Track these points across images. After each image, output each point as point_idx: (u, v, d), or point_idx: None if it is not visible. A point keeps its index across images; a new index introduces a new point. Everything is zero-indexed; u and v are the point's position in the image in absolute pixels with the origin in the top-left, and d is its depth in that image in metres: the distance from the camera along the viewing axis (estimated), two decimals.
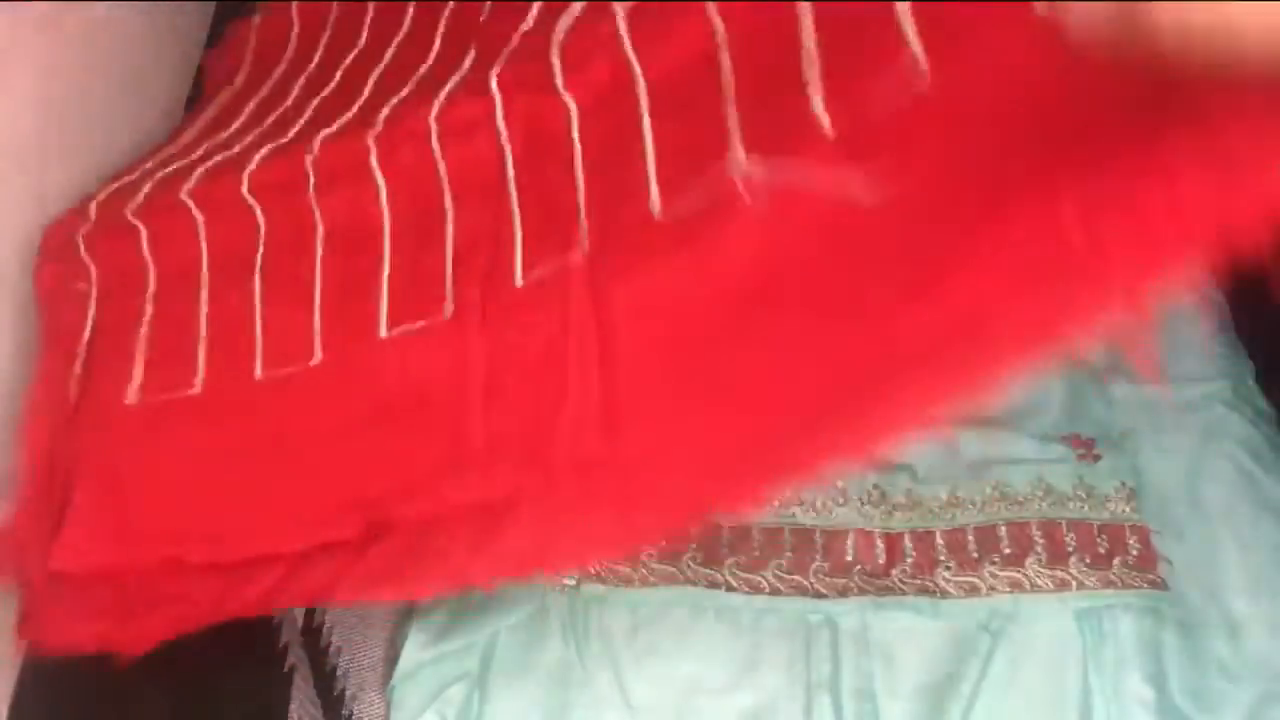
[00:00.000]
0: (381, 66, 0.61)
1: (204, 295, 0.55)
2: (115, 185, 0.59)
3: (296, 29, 0.68)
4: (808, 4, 0.47)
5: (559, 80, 0.52)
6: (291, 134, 0.58)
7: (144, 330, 0.54)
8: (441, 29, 0.60)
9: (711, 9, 0.49)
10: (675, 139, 0.49)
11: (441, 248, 0.52)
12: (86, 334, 0.55)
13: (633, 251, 0.47)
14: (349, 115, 0.57)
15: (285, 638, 0.57)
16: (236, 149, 0.58)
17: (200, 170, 0.57)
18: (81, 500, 0.51)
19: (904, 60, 0.43)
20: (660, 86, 0.50)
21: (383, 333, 0.51)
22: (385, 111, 0.56)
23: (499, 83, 0.53)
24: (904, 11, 0.44)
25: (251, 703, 0.56)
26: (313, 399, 0.51)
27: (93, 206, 0.57)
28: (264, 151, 0.57)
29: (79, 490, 0.52)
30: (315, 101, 0.61)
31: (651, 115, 0.50)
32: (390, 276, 0.52)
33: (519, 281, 0.50)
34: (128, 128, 0.70)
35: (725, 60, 0.48)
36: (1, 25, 0.52)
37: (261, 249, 0.55)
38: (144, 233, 0.56)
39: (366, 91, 0.59)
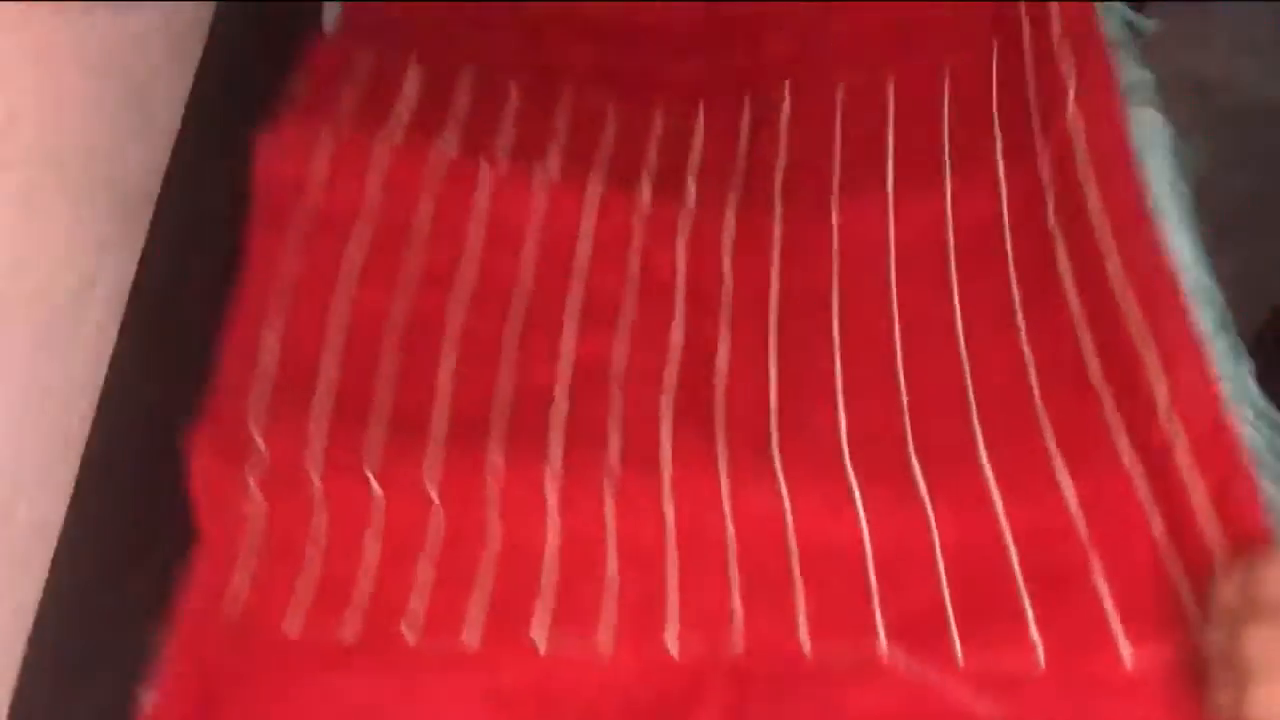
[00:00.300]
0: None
1: (365, 557, 0.55)
2: (272, 393, 0.59)
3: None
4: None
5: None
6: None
7: (306, 570, 0.55)
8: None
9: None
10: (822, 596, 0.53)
11: (603, 578, 0.54)
12: (247, 558, 0.56)
13: (778, 678, 0.51)
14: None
15: None
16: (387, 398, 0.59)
17: (378, 433, 0.57)
18: None
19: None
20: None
21: (541, 649, 0.53)
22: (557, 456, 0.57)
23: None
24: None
25: None
26: (463, 681, 0.52)
27: (258, 437, 0.57)
28: (440, 437, 0.57)
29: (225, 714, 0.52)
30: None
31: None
32: (558, 591, 0.54)
33: (670, 647, 0.52)
34: (128, 128, 0.70)
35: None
36: (1, 25, 0.52)
37: (430, 536, 0.56)
38: (317, 487, 0.56)
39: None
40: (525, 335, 0.61)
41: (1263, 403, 0.68)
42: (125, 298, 0.69)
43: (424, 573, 0.54)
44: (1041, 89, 0.65)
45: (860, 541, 0.55)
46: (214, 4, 0.81)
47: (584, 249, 0.64)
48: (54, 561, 0.60)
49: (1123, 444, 0.54)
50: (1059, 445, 0.55)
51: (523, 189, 0.65)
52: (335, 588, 0.54)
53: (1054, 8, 0.67)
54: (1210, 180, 0.81)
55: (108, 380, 0.66)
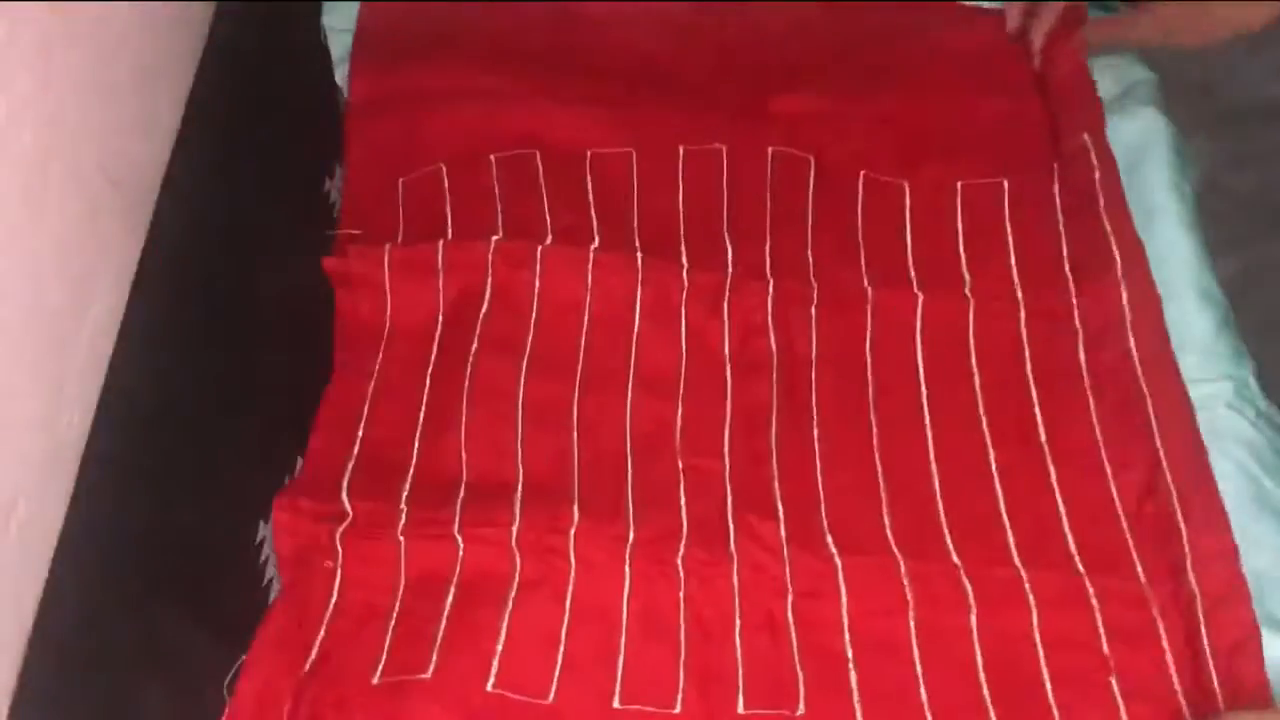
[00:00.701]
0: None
1: (446, 608, 0.57)
2: (360, 466, 0.62)
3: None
4: None
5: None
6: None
7: (391, 624, 0.57)
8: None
9: None
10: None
11: (676, 644, 0.57)
12: (330, 610, 0.57)
13: None
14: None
15: None
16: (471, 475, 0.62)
17: (461, 497, 0.60)
18: None
19: None
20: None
21: (616, 703, 0.55)
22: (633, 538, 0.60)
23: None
24: None
25: None
26: None
27: (346, 500, 0.59)
28: (519, 499, 0.60)
29: None
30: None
31: None
32: (627, 655, 0.56)
33: (741, 709, 0.55)
34: (128, 128, 0.70)
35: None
36: (1, 25, 0.52)
37: (515, 591, 0.57)
38: (403, 548, 0.58)
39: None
40: (589, 403, 0.64)
41: (1263, 403, 0.68)
42: (125, 298, 0.69)
43: (504, 627, 0.56)
44: (1083, 238, 0.69)
45: (909, 638, 0.58)
46: (214, 4, 0.81)
47: (634, 317, 0.67)
48: (54, 561, 0.60)
49: (1145, 582, 0.60)
50: (1085, 568, 0.59)
51: (573, 264, 0.68)
52: (417, 634, 0.56)
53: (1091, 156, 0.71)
54: (1211, 180, 0.81)
55: (108, 380, 0.66)
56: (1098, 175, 0.71)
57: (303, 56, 0.77)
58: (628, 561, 0.58)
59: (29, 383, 0.58)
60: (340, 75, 0.77)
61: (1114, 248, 0.68)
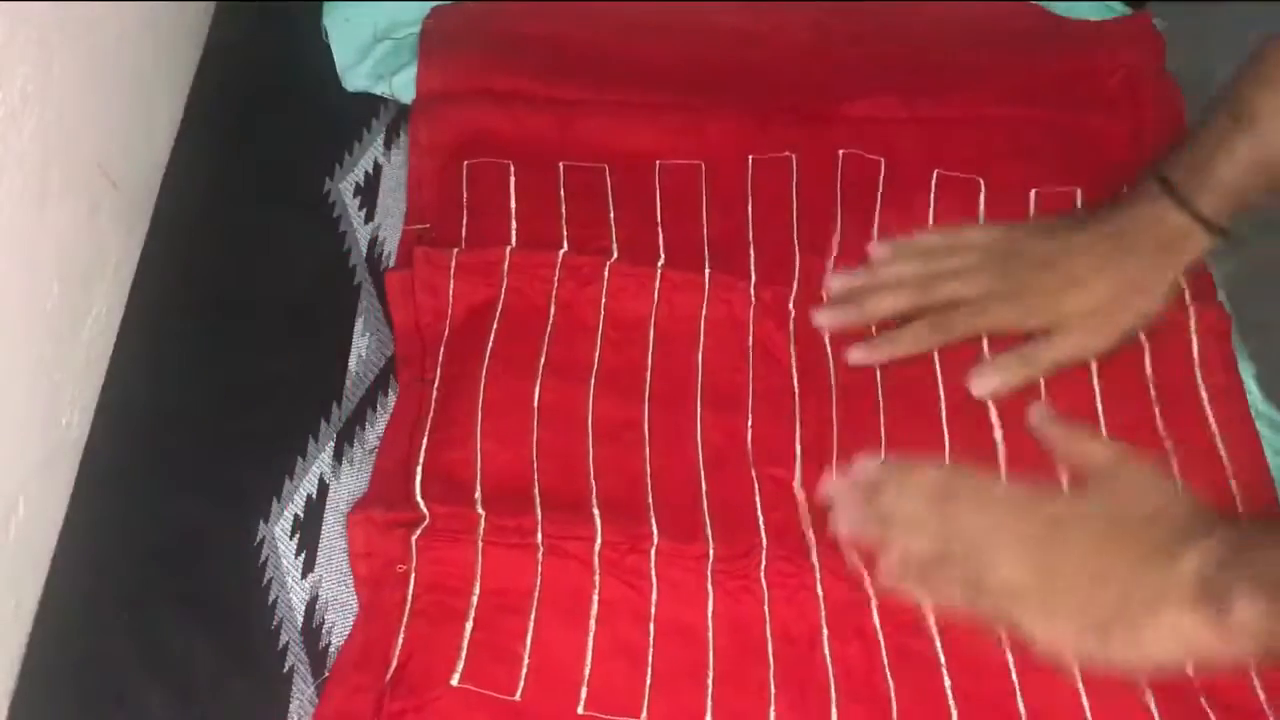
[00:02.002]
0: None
1: (533, 618, 0.56)
2: (433, 479, 0.60)
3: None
4: None
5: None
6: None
7: (469, 626, 0.56)
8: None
9: None
10: None
11: (765, 660, 0.56)
12: (406, 616, 0.56)
13: None
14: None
15: (285, 638, 0.57)
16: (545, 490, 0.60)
17: (539, 506, 0.59)
18: None
19: None
20: None
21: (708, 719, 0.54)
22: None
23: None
24: None
25: (251, 703, 0.56)
26: None
27: (422, 501, 0.59)
28: (596, 515, 0.59)
29: None
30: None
31: None
32: (716, 673, 0.55)
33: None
34: (128, 128, 0.70)
35: None
36: (1, 24, 0.52)
37: (596, 608, 0.56)
38: (480, 552, 0.57)
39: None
40: (658, 420, 0.63)
41: (1263, 404, 0.68)
42: (125, 298, 0.69)
43: (590, 646, 0.56)
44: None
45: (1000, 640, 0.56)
46: (214, 4, 0.81)
47: (699, 333, 0.66)
48: (54, 561, 0.60)
49: None
50: None
51: (640, 281, 0.67)
52: (501, 650, 0.55)
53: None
54: None
55: (108, 380, 0.66)
56: None
57: (303, 56, 0.77)
58: (709, 578, 0.57)
59: (29, 383, 0.58)
60: (350, 78, 0.77)
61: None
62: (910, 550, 0.57)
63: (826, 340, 0.66)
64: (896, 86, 0.74)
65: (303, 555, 0.60)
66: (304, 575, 0.59)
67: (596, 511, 0.59)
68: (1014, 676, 0.55)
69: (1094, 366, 0.65)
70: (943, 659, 0.56)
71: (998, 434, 0.63)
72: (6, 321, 0.56)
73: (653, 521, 0.59)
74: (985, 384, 0.63)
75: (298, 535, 0.60)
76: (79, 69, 0.61)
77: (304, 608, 0.58)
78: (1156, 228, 0.62)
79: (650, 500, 0.60)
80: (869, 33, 0.78)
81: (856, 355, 0.65)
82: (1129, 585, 0.53)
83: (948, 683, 0.55)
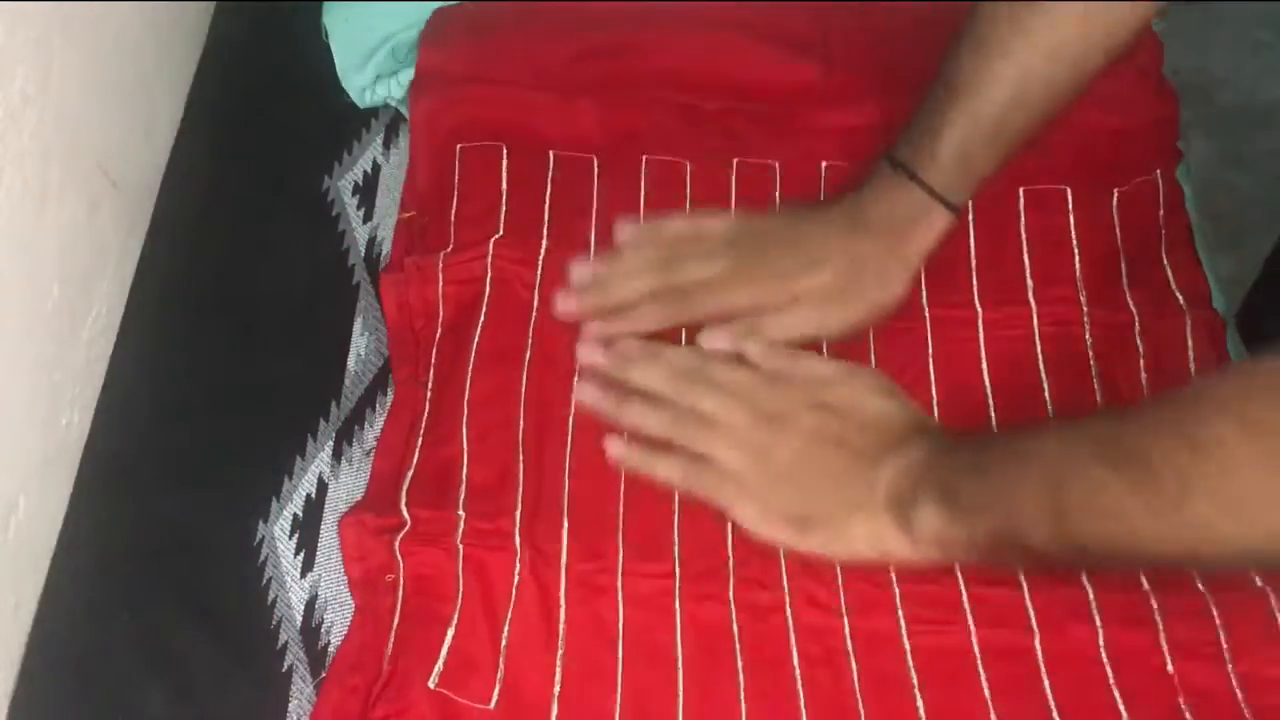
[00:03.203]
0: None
1: (506, 628, 0.56)
2: (416, 471, 0.60)
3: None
4: None
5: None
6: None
7: (450, 632, 0.56)
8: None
9: None
10: None
11: (735, 680, 0.55)
12: (396, 619, 0.56)
13: None
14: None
15: (284, 637, 0.57)
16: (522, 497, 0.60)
17: (519, 514, 0.59)
18: None
19: None
20: None
21: None
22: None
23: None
24: None
25: (250, 702, 0.56)
26: None
27: (405, 510, 0.58)
28: (566, 536, 0.58)
29: None
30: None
31: None
32: (685, 695, 0.55)
33: None
34: (128, 128, 0.70)
35: None
36: (1, 24, 0.52)
37: (564, 626, 0.56)
38: (460, 555, 0.57)
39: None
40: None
41: None
42: (125, 297, 0.69)
43: (559, 666, 0.55)
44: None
45: (974, 657, 0.56)
46: (214, 4, 0.81)
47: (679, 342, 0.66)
48: (54, 561, 0.60)
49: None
50: (1150, 584, 0.57)
51: None
52: (478, 659, 0.55)
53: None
54: (1211, 180, 0.81)
55: (108, 380, 0.66)
56: (1161, 214, 0.70)
57: (303, 56, 0.77)
58: (678, 599, 0.57)
59: (29, 382, 0.59)
60: (350, 80, 0.77)
61: (1171, 279, 0.68)
62: (643, 425, 0.60)
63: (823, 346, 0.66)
64: (880, 94, 0.73)
65: (302, 555, 0.60)
66: (303, 575, 0.59)
67: (565, 523, 0.59)
68: (989, 700, 0.55)
69: (1094, 367, 0.65)
70: (916, 682, 0.55)
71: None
72: (6, 321, 0.56)
73: (620, 536, 0.59)
74: (712, 340, 0.63)
75: (297, 535, 0.60)
76: (79, 69, 0.62)
77: (303, 607, 0.58)
78: (891, 208, 0.62)
79: (620, 511, 0.60)
80: (850, 36, 0.77)
81: (595, 329, 0.64)
82: (834, 485, 0.56)
83: (920, 706, 0.55)
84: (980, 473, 0.52)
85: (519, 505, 0.59)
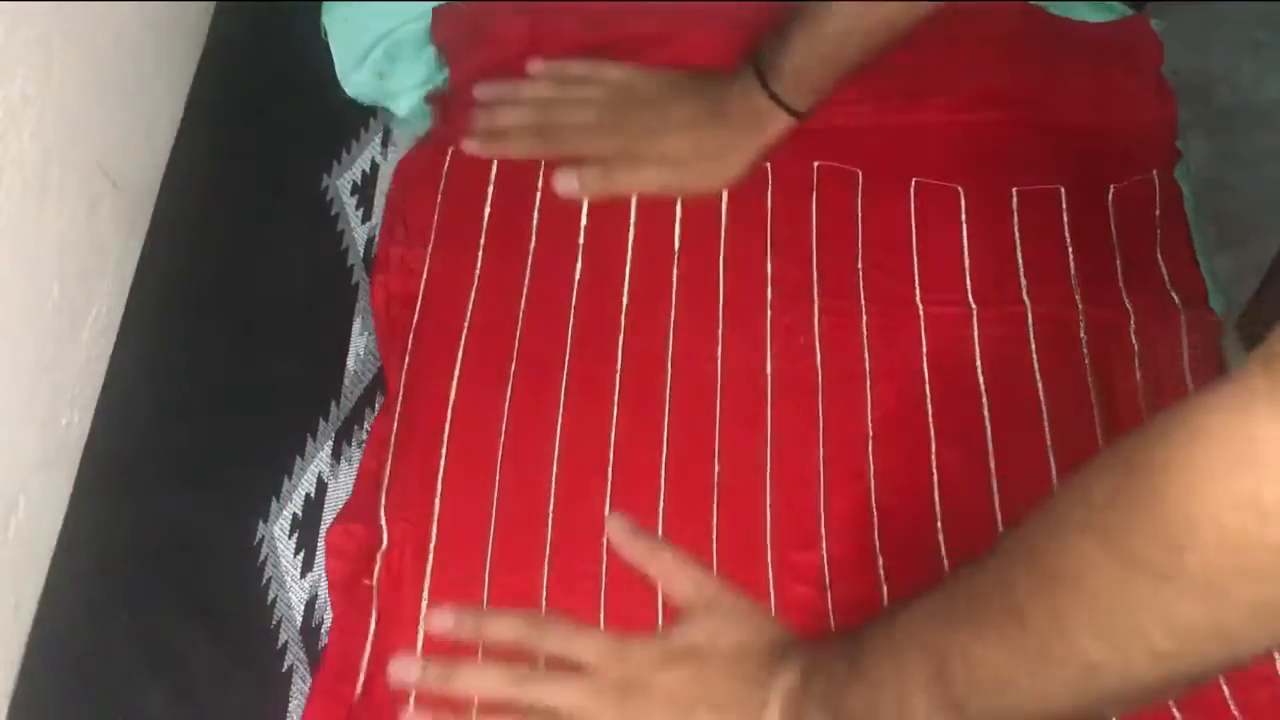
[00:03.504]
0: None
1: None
2: (392, 495, 0.60)
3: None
4: None
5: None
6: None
7: (419, 635, 0.56)
8: None
9: None
10: None
11: None
12: (374, 618, 0.57)
13: None
14: None
15: (284, 637, 0.57)
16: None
17: (492, 533, 0.59)
18: None
19: None
20: None
21: None
22: None
23: None
24: None
25: (250, 702, 0.56)
26: None
27: (384, 515, 0.59)
28: (550, 539, 0.59)
29: None
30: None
31: None
32: None
33: None
34: (128, 128, 0.70)
35: None
36: (1, 24, 0.52)
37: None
38: (429, 580, 0.57)
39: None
40: (625, 431, 0.63)
41: None
42: (125, 297, 0.69)
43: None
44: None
45: None
46: (214, 4, 0.81)
47: (668, 345, 0.66)
48: (54, 561, 0.60)
49: None
50: None
51: (609, 288, 0.67)
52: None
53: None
54: (1210, 180, 0.81)
55: (108, 380, 0.66)
56: (1158, 213, 0.70)
57: (302, 56, 0.77)
58: (660, 614, 0.57)
59: (29, 382, 0.59)
60: (349, 80, 0.77)
61: (1166, 278, 0.68)
62: None
63: (817, 347, 0.66)
64: (872, 93, 0.73)
65: (301, 554, 0.60)
66: (303, 574, 0.59)
67: (550, 536, 0.59)
68: None
69: (1088, 365, 0.64)
70: None
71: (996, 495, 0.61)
72: (6, 321, 0.56)
73: (603, 541, 0.58)
74: (564, 183, 0.70)
75: (296, 534, 0.60)
76: (79, 69, 0.62)
77: (303, 607, 0.58)
78: (745, 104, 0.70)
79: (607, 512, 0.59)
80: None
81: (470, 145, 0.71)
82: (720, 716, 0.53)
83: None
84: (860, 678, 0.49)
85: (492, 530, 0.59)
